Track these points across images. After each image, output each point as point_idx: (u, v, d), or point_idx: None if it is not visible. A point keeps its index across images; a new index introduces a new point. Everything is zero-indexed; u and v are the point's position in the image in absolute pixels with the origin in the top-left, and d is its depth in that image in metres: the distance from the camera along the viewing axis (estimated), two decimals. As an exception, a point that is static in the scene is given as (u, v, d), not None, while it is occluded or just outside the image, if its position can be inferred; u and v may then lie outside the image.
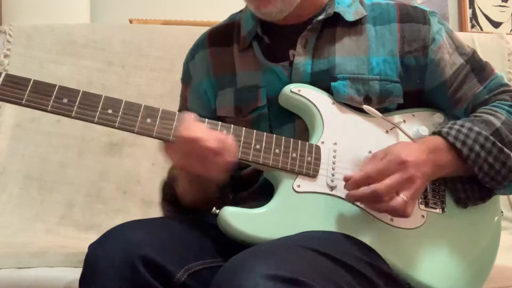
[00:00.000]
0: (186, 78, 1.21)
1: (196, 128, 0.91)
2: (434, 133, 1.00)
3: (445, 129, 0.99)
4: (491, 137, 0.97)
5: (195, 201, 1.04)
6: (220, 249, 0.93)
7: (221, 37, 1.17)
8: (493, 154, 0.96)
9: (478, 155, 0.96)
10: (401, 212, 0.91)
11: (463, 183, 1.01)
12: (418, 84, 1.07)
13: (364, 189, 0.91)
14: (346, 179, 0.94)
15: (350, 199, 0.94)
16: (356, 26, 1.07)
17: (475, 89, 1.06)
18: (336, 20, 1.07)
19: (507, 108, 1.02)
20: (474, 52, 1.10)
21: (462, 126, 0.98)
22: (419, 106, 1.08)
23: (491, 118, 1.00)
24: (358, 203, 0.96)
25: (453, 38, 1.09)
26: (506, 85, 1.08)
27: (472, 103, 1.06)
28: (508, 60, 1.86)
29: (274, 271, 0.72)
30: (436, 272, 0.98)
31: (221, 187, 1.03)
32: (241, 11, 1.18)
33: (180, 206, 1.07)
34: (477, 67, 1.08)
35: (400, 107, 1.06)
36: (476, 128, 0.97)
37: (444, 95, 1.07)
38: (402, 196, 0.90)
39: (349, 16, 1.07)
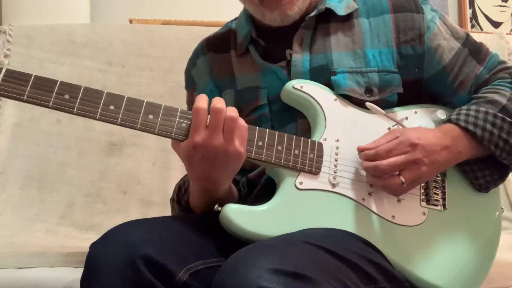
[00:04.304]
0: (191, 85, 1.21)
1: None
2: (444, 123, 1.02)
3: (453, 116, 1.01)
4: (499, 114, 1.00)
5: (204, 208, 1.03)
6: (221, 249, 0.93)
7: (218, 45, 1.17)
8: (505, 129, 0.99)
9: (491, 134, 0.99)
10: (393, 192, 0.96)
11: (482, 169, 1.03)
12: (416, 74, 1.08)
13: (369, 162, 0.95)
14: (360, 149, 0.97)
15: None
16: (349, 20, 1.08)
17: (476, 70, 1.08)
18: (328, 15, 1.08)
19: (509, 85, 1.05)
20: (468, 35, 1.12)
21: (468, 109, 1.01)
22: (420, 97, 1.09)
23: (496, 96, 1.02)
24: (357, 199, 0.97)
25: (447, 24, 1.11)
26: (503, 62, 1.11)
27: (475, 85, 1.08)
28: (508, 60, 1.86)
29: (278, 265, 0.72)
30: (436, 269, 0.98)
31: (229, 192, 1.03)
32: (235, 19, 1.19)
33: (191, 212, 1.06)
34: (474, 49, 1.10)
35: (401, 99, 1.06)
36: (482, 109, 1.00)
37: (445, 81, 1.08)
38: (401, 178, 0.93)
39: (341, 11, 1.08)
